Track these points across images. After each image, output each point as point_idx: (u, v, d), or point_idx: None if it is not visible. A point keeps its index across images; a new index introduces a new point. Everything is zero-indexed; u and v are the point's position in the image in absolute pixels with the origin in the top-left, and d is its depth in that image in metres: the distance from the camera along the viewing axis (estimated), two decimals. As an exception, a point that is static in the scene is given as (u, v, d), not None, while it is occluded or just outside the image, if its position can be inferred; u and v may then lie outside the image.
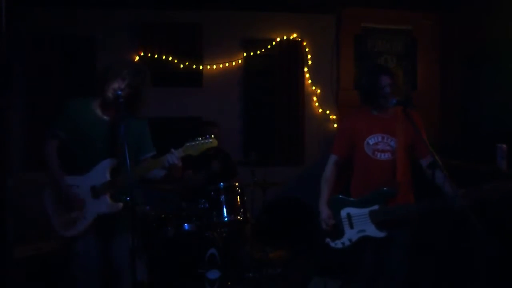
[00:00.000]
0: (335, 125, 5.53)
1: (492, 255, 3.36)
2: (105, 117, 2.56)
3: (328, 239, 2.78)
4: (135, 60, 5.17)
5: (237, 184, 4.01)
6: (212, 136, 2.55)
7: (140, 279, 3.44)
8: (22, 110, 4.95)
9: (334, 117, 5.57)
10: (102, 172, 2.50)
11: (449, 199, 2.49)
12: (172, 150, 2.49)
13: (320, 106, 5.60)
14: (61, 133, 2.55)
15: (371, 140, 2.74)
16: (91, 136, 2.52)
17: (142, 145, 2.67)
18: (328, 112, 5.60)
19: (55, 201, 2.54)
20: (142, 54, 5.18)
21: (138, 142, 2.63)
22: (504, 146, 3.65)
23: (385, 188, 2.67)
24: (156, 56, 5.21)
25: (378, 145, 2.73)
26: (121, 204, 2.53)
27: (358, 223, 2.70)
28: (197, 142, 2.50)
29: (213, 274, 3.68)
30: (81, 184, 2.51)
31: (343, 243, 2.73)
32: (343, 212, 2.74)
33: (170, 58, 5.23)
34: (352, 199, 2.76)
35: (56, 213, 2.53)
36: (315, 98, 5.60)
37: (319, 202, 2.81)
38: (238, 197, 3.96)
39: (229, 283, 3.79)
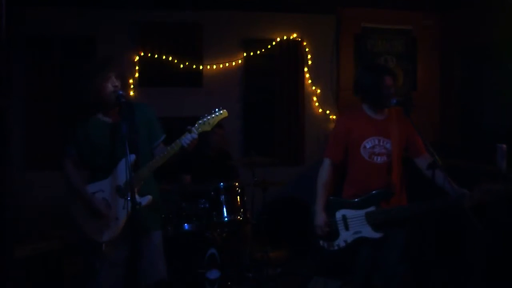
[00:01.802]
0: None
1: (489, 254, 3.36)
2: (107, 120, 2.57)
3: (322, 242, 2.76)
4: (135, 60, 5.18)
5: (237, 184, 4.00)
6: (221, 108, 2.55)
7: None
8: (22, 110, 4.95)
9: (334, 117, 5.56)
10: (123, 170, 2.46)
11: (452, 199, 2.48)
12: (189, 127, 2.48)
13: (320, 106, 5.60)
14: (74, 150, 2.58)
15: (368, 144, 2.71)
16: (100, 143, 2.52)
17: (153, 131, 2.66)
18: (328, 112, 5.59)
19: (84, 210, 2.51)
20: (142, 54, 5.18)
21: (148, 129, 2.62)
22: (504, 146, 3.65)
23: (381, 190, 2.66)
24: (156, 56, 5.21)
25: (375, 148, 2.70)
26: (149, 197, 2.51)
27: (354, 225, 2.68)
28: (209, 118, 2.52)
29: (213, 274, 3.68)
30: (105, 188, 2.50)
31: (338, 245, 2.71)
32: (338, 214, 2.72)
33: (170, 58, 5.23)
34: (347, 200, 2.74)
35: (87, 221, 2.50)
36: (315, 98, 5.59)
37: (316, 207, 2.76)
38: (238, 197, 3.96)
39: (229, 283, 3.80)
